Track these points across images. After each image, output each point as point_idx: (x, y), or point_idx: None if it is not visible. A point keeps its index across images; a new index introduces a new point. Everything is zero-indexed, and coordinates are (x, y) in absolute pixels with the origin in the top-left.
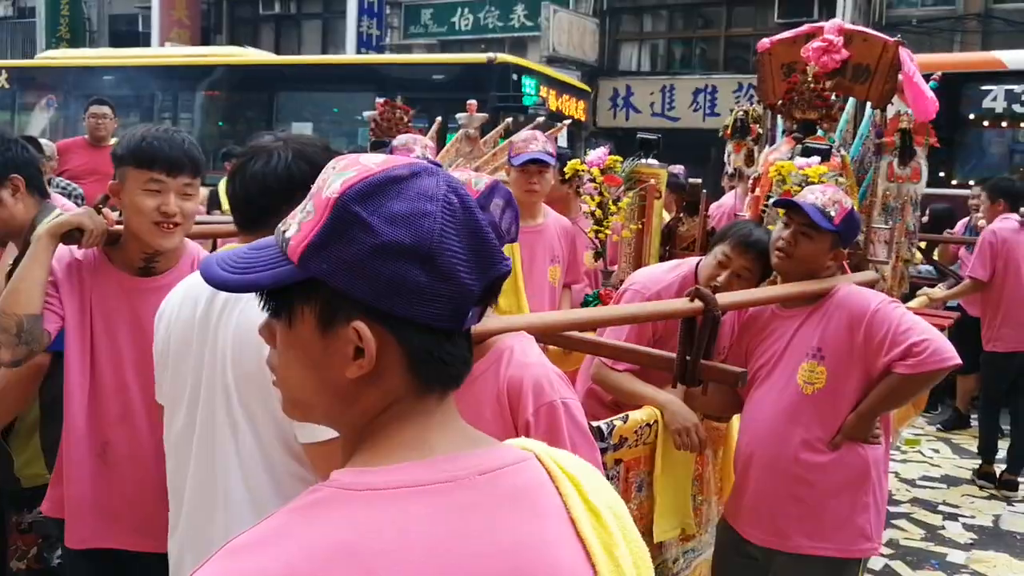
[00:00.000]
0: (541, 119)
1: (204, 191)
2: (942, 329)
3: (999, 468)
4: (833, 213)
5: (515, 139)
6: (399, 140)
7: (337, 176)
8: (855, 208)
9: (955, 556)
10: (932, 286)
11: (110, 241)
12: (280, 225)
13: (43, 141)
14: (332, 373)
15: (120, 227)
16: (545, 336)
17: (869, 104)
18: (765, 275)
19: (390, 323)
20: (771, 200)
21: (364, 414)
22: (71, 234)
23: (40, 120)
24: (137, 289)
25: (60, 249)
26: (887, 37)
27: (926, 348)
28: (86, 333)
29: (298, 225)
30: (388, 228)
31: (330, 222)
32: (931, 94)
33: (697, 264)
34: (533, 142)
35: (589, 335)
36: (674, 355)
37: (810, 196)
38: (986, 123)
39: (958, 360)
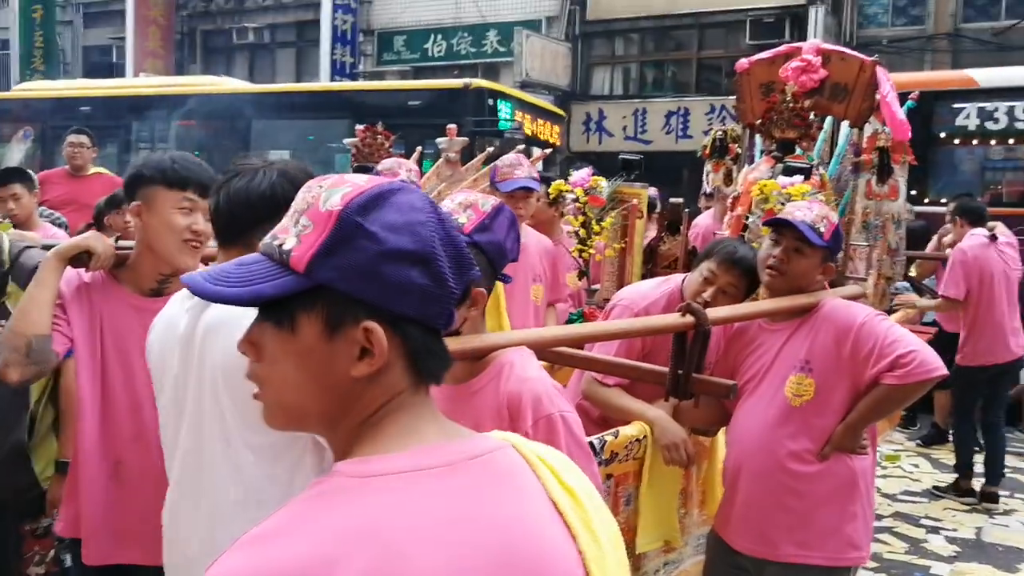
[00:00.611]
0: (521, 146)
1: None
2: None
3: (977, 483)
4: (823, 229)
5: (499, 164)
6: (384, 164)
7: (333, 192)
8: (840, 227)
9: (939, 568)
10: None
11: (116, 264)
12: (270, 240)
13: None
14: (335, 374)
15: (127, 250)
16: (540, 352)
17: (847, 123)
18: (750, 291)
19: (395, 322)
20: (750, 219)
21: (364, 410)
22: (79, 257)
23: (17, 152)
24: (149, 310)
25: (68, 272)
26: (864, 57)
27: (913, 359)
28: (96, 353)
29: (297, 238)
30: (391, 236)
31: (335, 232)
32: (902, 116)
33: (683, 281)
34: (519, 168)
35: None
36: (666, 369)
37: (799, 213)
38: (958, 141)
39: (945, 371)
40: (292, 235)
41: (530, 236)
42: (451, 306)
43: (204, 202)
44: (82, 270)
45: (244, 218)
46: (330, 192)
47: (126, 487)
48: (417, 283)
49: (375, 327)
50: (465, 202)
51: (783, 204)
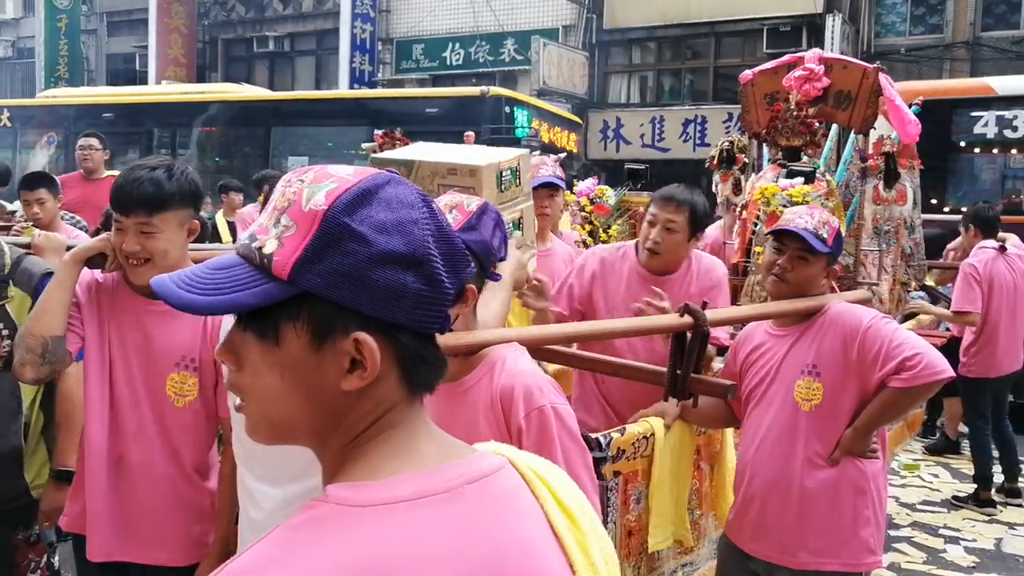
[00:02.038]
0: (537, 152)
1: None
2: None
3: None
4: (825, 234)
5: None
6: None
7: (315, 188)
8: (841, 231)
9: None
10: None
11: None
12: (248, 241)
13: None
14: (324, 388)
15: None
16: (541, 352)
17: (852, 130)
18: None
19: (386, 331)
20: (757, 226)
21: (355, 426)
22: (94, 259)
23: (41, 157)
24: (148, 311)
25: (83, 273)
26: (866, 64)
27: (919, 362)
28: (105, 352)
29: (278, 241)
30: (381, 237)
31: (320, 235)
32: (913, 117)
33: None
34: (544, 167)
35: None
36: (664, 369)
37: (800, 220)
38: (977, 149)
39: (951, 373)
40: (272, 237)
41: (556, 241)
42: (446, 308)
43: (130, 220)
44: (97, 271)
45: None
46: (313, 188)
47: (126, 483)
48: (411, 288)
49: (367, 339)
50: (450, 203)
51: (784, 207)
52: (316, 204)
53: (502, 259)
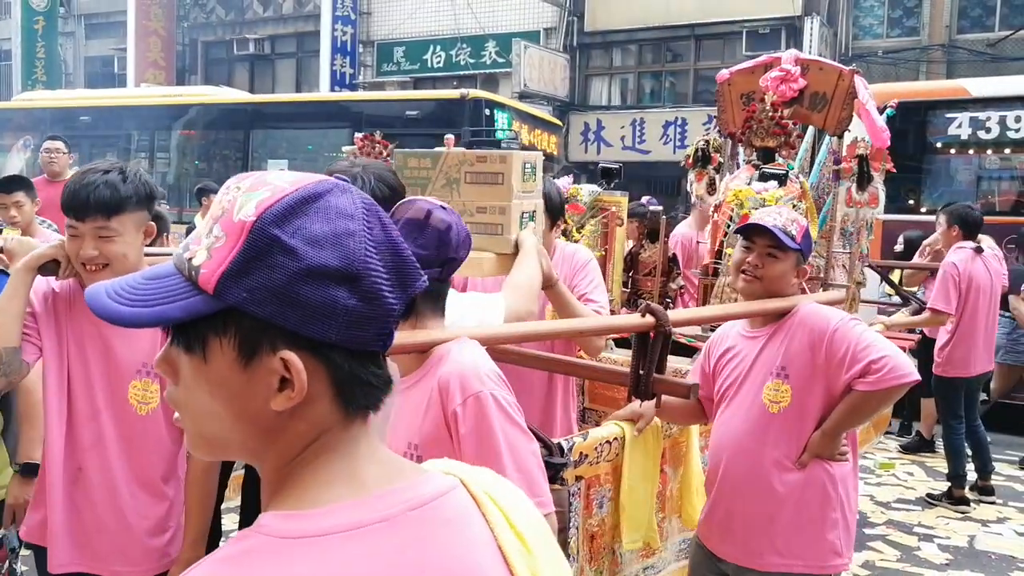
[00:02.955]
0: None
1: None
2: (904, 351)
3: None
4: (794, 232)
5: None
6: None
7: (248, 197)
8: (808, 229)
9: None
10: (889, 312)
11: None
12: (182, 251)
13: None
14: (253, 407)
15: None
16: (499, 353)
17: (827, 131)
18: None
19: (317, 349)
20: (729, 228)
21: (290, 448)
22: (47, 266)
23: (17, 161)
24: None
25: (38, 281)
26: (842, 66)
27: (885, 365)
28: (63, 361)
29: (208, 252)
30: (312, 251)
31: (248, 248)
32: (882, 123)
33: None
34: None
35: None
36: (626, 370)
37: (768, 218)
38: (953, 150)
39: (917, 376)
40: (203, 248)
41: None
42: (388, 325)
43: (86, 225)
44: (53, 279)
45: None
46: (246, 198)
47: (85, 496)
48: (343, 304)
49: (292, 358)
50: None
51: (756, 209)
52: (245, 215)
53: (462, 259)
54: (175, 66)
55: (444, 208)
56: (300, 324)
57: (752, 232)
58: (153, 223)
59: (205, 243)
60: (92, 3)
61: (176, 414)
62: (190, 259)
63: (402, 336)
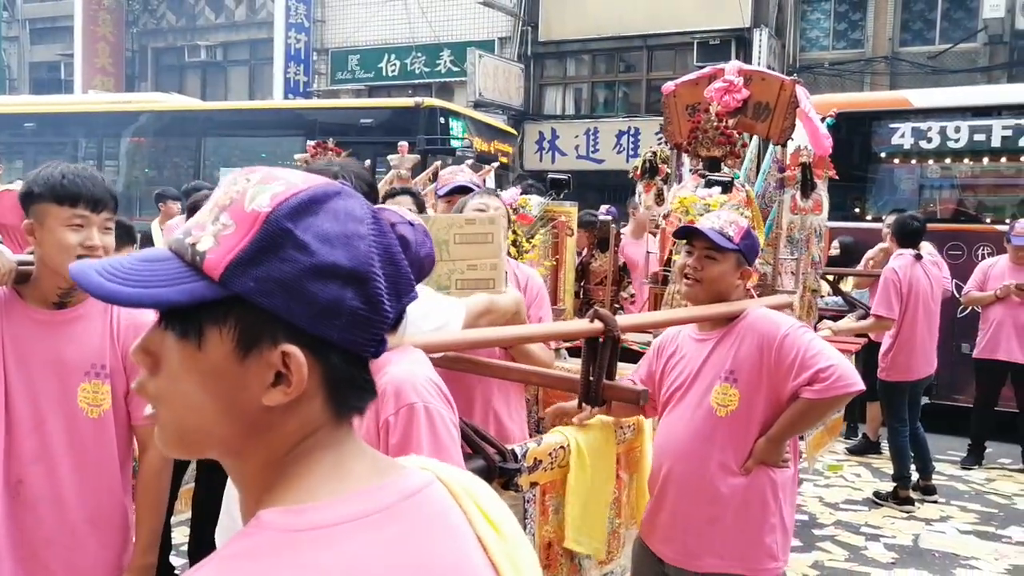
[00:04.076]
0: (470, 160)
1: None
2: (850, 355)
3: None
4: (732, 233)
5: (441, 174)
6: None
7: (262, 188)
8: (752, 230)
9: (878, 575)
10: (839, 317)
11: (19, 280)
12: (182, 236)
13: None
14: (243, 401)
15: (30, 266)
16: (452, 361)
17: (771, 141)
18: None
19: (317, 348)
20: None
21: (279, 445)
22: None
23: None
24: (53, 322)
25: None
26: (783, 76)
27: (832, 374)
28: (0, 373)
29: (214, 238)
30: (324, 248)
31: (260, 238)
32: (824, 130)
33: None
34: (460, 173)
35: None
36: (576, 377)
37: (707, 222)
38: (896, 160)
39: (862, 386)
40: (209, 234)
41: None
42: (383, 333)
43: (99, 216)
44: None
45: None
46: (259, 189)
47: (29, 509)
48: (349, 305)
49: (295, 352)
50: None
51: (701, 215)
52: (259, 205)
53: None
54: (124, 72)
55: (412, 225)
56: (305, 320)
57: (690, 235)
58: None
59: (211, 230)
60: (37, 7)
61: (148, 408)
62: (193, 244)
63: None
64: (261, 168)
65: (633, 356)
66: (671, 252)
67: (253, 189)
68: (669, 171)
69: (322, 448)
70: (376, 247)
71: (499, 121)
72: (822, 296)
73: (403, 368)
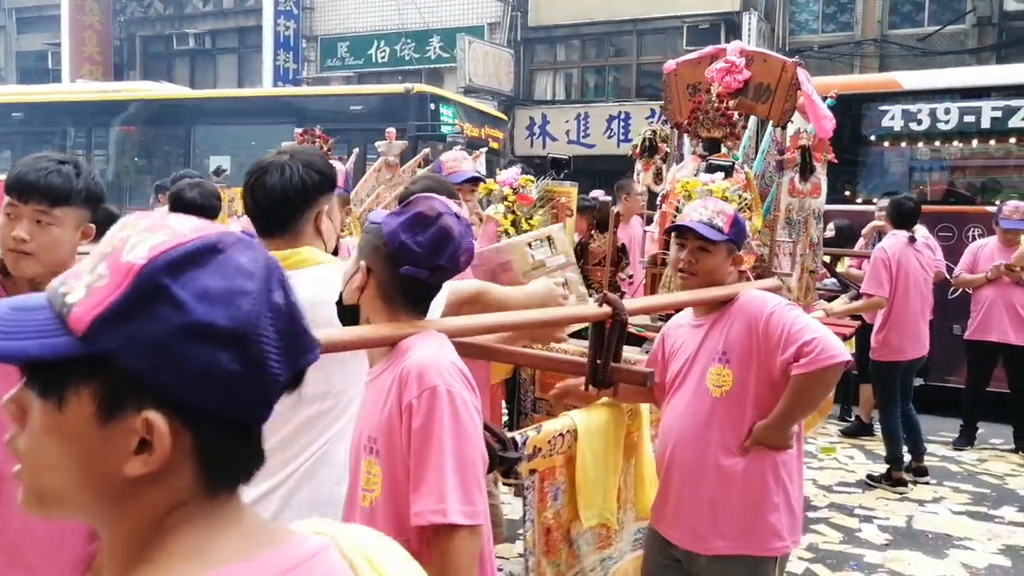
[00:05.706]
0: (459, 146)
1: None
2: (845, 338)
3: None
4: (721, 223)
5: (444, 159)
6: (449, 155)
7: (142, 238)
8: (739, 216)
9: (872, 557)
10: (834, 298)
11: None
12: (58, 285)
13: None
14: (104, 467)
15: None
16: (458, 346)
17: (770, 122)
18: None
19: (186, 414)
20: (676, 218)
21: (145, 516)
22: None
23: None
24: None
25: None
26: (785, 58)
27: (816, 346)
28: None
29: (86, 289)
30: (201, 306)
31: (131, 293)
32: (828, 112)
33: None
34: (465, 162)
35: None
36: (583, 360)
37: (694, 215)
38: (886, 142)
39: (847, 356)
40: (82, 284)
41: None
42: (270, 396)
43: (27, 207)
44: None
45: (285, 213)
46: (141, 237)
47: (14, 509)
48: (225, 369)
49: (157, 419)
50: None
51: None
52: (135, 257)
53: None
54: (112, 61)
55: (458, 217)
56: (175, 385)
57: (681, 231)
58: (92, 226)
59: (86, 279)
60: None
61: (16, 466)
62: (64, 294)
63: (371, 329)
64: (154, 215)
65: (631, 338)
66: (669, 232)
67: (136, 237)
68: (668, 150)
69: (188, 523)
70: (266, 304)
71: (489, 107)
72: (817, 278)
73: (427, 352)
